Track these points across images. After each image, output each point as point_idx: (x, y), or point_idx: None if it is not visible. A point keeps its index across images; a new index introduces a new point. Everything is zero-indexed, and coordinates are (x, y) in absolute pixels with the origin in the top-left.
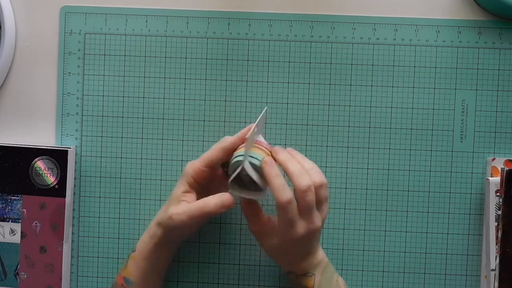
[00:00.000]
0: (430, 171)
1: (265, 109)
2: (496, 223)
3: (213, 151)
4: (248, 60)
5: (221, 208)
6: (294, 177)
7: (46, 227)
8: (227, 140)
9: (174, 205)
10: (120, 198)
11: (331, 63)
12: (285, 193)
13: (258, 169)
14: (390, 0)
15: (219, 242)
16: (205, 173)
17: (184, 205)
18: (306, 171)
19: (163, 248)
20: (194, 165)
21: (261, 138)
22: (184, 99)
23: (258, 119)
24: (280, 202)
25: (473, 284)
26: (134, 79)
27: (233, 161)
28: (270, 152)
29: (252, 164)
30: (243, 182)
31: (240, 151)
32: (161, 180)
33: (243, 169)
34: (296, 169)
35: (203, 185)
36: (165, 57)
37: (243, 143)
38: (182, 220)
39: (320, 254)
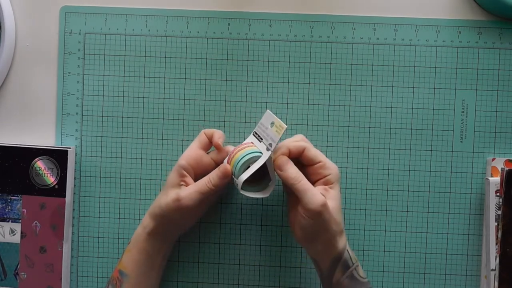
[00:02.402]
0: (430, 171)
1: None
2: (496, 223)
3: (199, 136)
4: (248, 60)
5: (224, 178)
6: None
7: (46, 227)
8: (209, 130)
9: (174, 190)
10: (120, 198)
11: (331, 63)
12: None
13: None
14: (390, 0)
15: (219, 242)
16: (198, 155)
17: (189, 186)
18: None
19: (157, 238)
20: (187, 152)
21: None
22: (184, 99)
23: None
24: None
25: (473, 284)
26: (134, 79)
27: (243, 160)
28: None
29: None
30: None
31: (243, 152)
32: (161, 180)
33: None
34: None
35: (196, 172)
36: (165, 57)
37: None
38: (192, 199)
39: None
